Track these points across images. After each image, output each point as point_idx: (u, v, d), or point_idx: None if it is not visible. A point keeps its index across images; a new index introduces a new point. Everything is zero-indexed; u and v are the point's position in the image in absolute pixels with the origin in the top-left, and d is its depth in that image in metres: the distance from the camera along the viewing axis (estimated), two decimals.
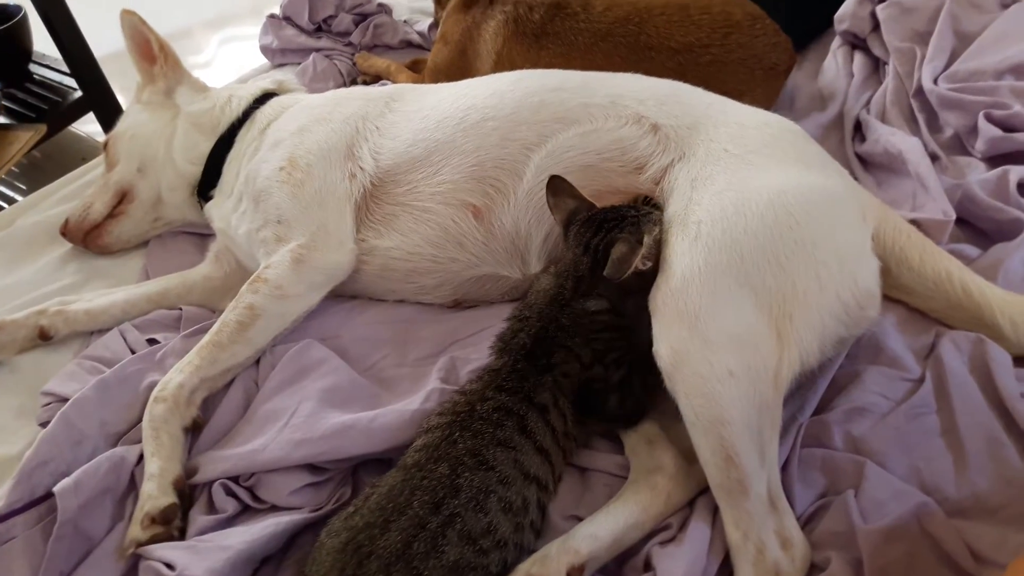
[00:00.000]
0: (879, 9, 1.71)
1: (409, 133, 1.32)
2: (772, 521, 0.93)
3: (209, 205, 1.46)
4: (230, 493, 1.09)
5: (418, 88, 1.46)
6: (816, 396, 1.08)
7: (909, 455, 1.02)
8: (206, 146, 1.49)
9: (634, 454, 1.05)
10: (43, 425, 1.17)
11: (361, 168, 1.32)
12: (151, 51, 1.55)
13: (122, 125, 1.57)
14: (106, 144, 1.56)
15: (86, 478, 1.08)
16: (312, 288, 1.26)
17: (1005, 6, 1.70)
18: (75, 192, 1.71)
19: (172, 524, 1.04)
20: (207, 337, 1.21)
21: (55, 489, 1.06)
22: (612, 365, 1.05)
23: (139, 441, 1.15)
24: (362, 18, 2.11)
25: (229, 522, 1.07)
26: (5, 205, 2.51)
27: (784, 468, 0.99)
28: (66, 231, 1.53)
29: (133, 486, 1.11)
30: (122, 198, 1.53)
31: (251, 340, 1.22)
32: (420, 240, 1.27)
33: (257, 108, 1.50)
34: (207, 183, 1.49)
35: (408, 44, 2.10)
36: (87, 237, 1.53)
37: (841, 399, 1.09)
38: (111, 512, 1.09)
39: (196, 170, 1.50)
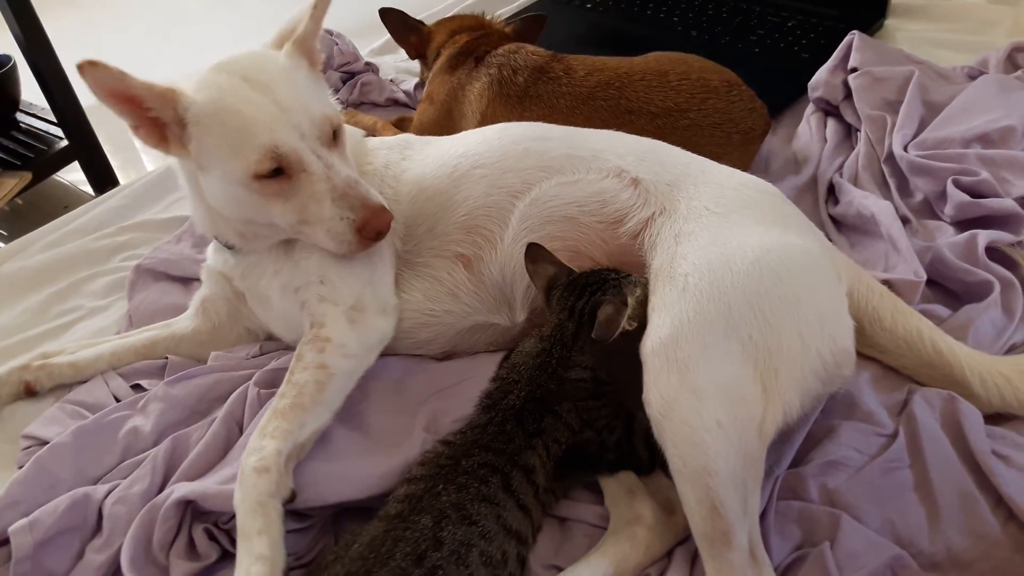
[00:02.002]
0: (851, 78, 1.77)
1: (414, 182, 1.33)
2: (752, 573, 0.94)
3: (225, 256, 1.34)
4: (212, 539, 1.08)
5: (423, 139, 1.48)
6: (792, 449, 1.10)
7: (883, 508, 1.04)
8: None
9: (614, 505, 1.06)
10: (22, 468, 1.17)
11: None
12: None
13: None
14: None
15: (43, 516, 1.08)
16: (368, 349, 1.21)
17: (972, 78, 1.78)
18: (58, 240, 1.72)
19: None
20: (284, 402, 1.12)
21: (9, 529, 1.06)
22: (604, 430, 1.07)
23: (112, 482, 1.15)
24: (349, 76, 2.15)
25: (210, 569, 1.07)
26: None
27: (761, 519, 1.00)
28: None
29: (100, 524, 1.10)
30: None
31: (329, 402, 1.15)
32: (420, 296, 1.28)
33: None
34: None
35: (394, 102, 2.14)
36: None
37: (817, 453, 1.10)
38: (76, 550, 1.08)
39: None
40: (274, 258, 1.26)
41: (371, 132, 1.94)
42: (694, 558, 0.99)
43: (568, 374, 1.08)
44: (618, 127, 1.52)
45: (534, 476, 1.02)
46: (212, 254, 1.38)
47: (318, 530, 1.11)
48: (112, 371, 1.36)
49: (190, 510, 1.09)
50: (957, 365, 1.16)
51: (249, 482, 1.02)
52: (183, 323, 1.43)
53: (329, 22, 2.20)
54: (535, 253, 1.18)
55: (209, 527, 1.08)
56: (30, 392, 1.34)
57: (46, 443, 1.21)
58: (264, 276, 1.27)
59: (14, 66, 2.72)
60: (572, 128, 1.38)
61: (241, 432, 1.21)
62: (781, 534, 1.02)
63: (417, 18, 1.97)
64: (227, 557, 1.08)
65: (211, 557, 1.06)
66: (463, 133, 1.45)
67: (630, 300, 1.06)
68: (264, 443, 1.06)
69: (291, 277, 1.24)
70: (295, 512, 1.09)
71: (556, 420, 1.06)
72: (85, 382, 1.36)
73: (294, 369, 1.15)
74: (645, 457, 1.06)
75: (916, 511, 1.03)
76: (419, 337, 1.30)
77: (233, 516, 1.05)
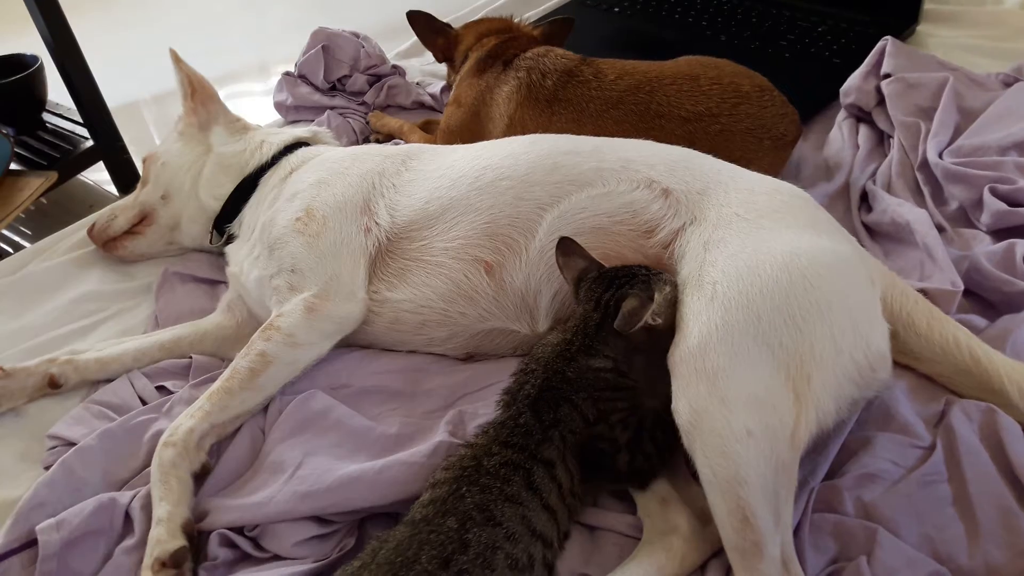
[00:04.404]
0: (884, 84, 1.75)
1: (425, 191, 1.35)
2: None
3: (230, 248, 1.50)
4: (224, 542, 1.08)
5: (434, 148, 1.49)
6: (827, 461, 1.08)
7: (921, 523, 1.01)
8: (231, 185, 1.55)
9: (647, 514, 1.05)
10: (48, 468, 1.17)
11: (376, 223, 1.34)
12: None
13: (160, 148, 1.64)
14: (145, 160, 1.64)
15: (71, 516, 1.08)
16: (323, 337, 1.27)
17: (1007, 85, 1.75)
18: (84, 240, 1.72)
19: (184, 567, 1.03)
20: (218, 383, 1.22)
21: (37, 527, 1.06)
22: (618, 425, 1.05)
23: (138, 488, 1.14)
24: (376, 79, 2.14)
25: (228, 570, 1.07)
26: (11, 250, 2.52)
27: (796, 532, 0.98)
28: (90, 234, 1.65)
29: (130, 528, 1.11)
30: (143, 219, 1.61)
31: (261, 387, 1.22)
32: (431, 293, 1.28)
33: (285, 155, 1.54)
34: (224, 217, 1.54)
35: (420, 105, 2.13)
36: (105, 245, 1.63)
37: (852, 465, 1.08)
38: (103, 553, 1.08)
39: (218, 205, 1.55)
40: (252, 245, 1.41)
41: (397, 135, 1.94)
42: (728, 571, 0.97)
43: (590, 362, 1.07)
44: (648, 131, 1.51)
45: (555, 471, 1.00)
46: None
47: (343, 534, 1.10)
48: (137, 370, 1.37)
49: None
50: (995, 374, 1.14)
51: (157, 454, 1.14)
52: (208, 320, 1.46)
53: (356, 24, 2.25)
54: (567, 247, 1.17)
55: (224, 531, 1.08)
56: (54, 385, 1.34)
57: (71, 444, 1.21)
58: (246, 262, 1.39)
59: (41, 66, 2.73)
60: (601, 139, 1.37)
61: (264, 437, 1.21)
62: (816, 547, 1.00)
63: (444, 21, 1.97)
64: (245, 560, 1.08)
65: (218, 558, 1.06)
66: (483, 144, 1.44)
67: (657, 296, 1.05)
68: (182, 421, 1.17)
69: (266, 264, 1.34)
70: (320, 518, 1.08)
71: (572, 409, 1.04)
72: (110, 380, 1.36)
73: (240, 354, 1.24)
74: (658, 464, 1.05)
75: (955, 526, 1.01)
76: (434, 335, 1.30)
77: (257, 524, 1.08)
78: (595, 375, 1.06)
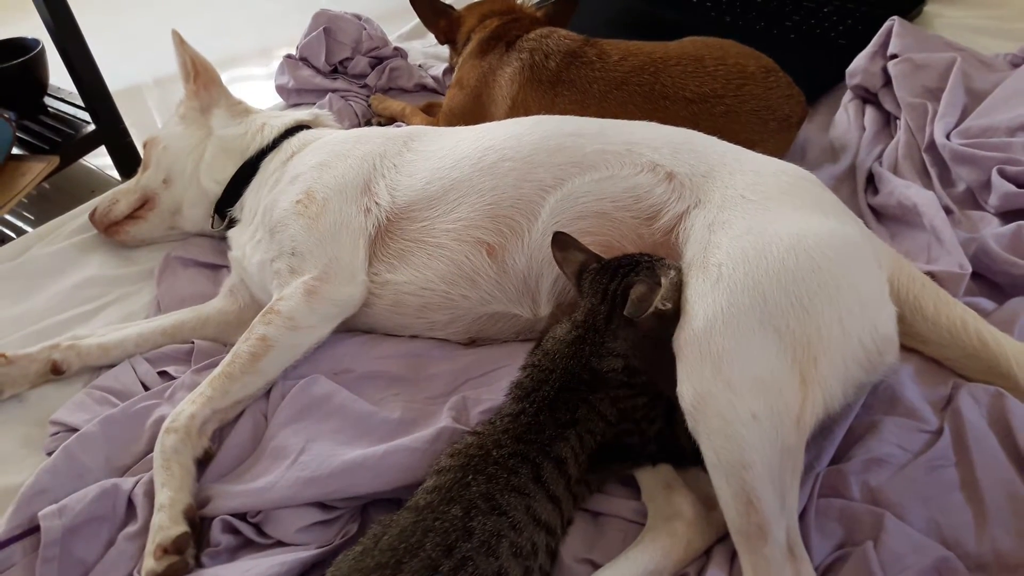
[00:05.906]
0: (891, 65, 1.73)
1: (426, 171, 1.34)
2: (790, 569, 0.91)
3: (232, 233, 1.49)
4: (227, 528, 1.07)
5: (436, 130, 1.48)
6: (833, 445, 1.07)
7: (928, 508, 1.00)
8: (232, 169, 1.54)
9: (651, 500, 1.04)
10: (50, 454, 1.17)
11: (377, 203, 1.33)
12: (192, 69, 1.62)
13: (161, 131, 1.64)
14: (146, 144, 1.63)
15: (73, 503, 1.08)
16: (324, 320, 1.26)
17: (1015, 66, 1.73)
18: (86, 224, 1.71)
19: (186, 553, 1.03)
20: (219, 368, 1.21)
21: (39, 513, 1.06)
22: (643, 420, 1.04)
23: (141, 473, 1.15)
24: (378, 61, 2.13)
25: (231, 556, 1.06)
26: (13, 235, 2.52)
27: (801, 517, 0.98)
28: (92, 218, 1.65)
29: (133, 514, 1.11)
30: (145, 203, 1.60)
31: (263, 371, 1.22)
32: (432, 276, 1.27)
33: (286, 138, 1.54)
34: (225, 201, 1.54)
35: (423, 88, 2.12)
36: (107, 229, 1.62)
37: (858, 449, 1.07)
38: (106, 539, 1.08)
39: (219, 189, 1.55)
40: (254, 229, 1.40)
41: (399, 118, 1.93)
42: (733, 556, 0.96)
43: (601, 365, 1.05)
44: (652, 113, 1.50)
45: (565, 467, 1.00)
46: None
47: (345, 520, 1.09)
48: (139, 355, 1.37)
49: None
50: (1003, 356, 1.12)
51: (159, 440, 1.14)
52: (210, 305, 1.46)
53: (358, 7, 2.23)
54: (563, 241, 1.16)
55: (227, 517, 1.08)
56: (56, 371, 1.34)
57: (74, 429, 1.21)
58: (248, 246, 1.39)
59: (43, 50, 2.73)
60: (605, 121, 1.35)
61: (267, 422, 1.20)
62: (822, 532, 0.99)
63: (446, 2, 1.95)
64: (248, 546, 1.08)
65: (220, 544, 1.06)
66: (486, 125, 1.43)
67: (664, 281, 1.04)
68: (184, 407, 1.17)
69: (268, 248, 1.33)
70: (323, 504, 1.08)
71: (590, 410, 1.03)
72: (112, 365, 1.36)
73: (241, 338, 1.24)
74: (688, 448, 1.03)
75: (962, 511, 1.00)
76: (435, 318, 1.29)
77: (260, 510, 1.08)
78: (606, 376, 1.05)
